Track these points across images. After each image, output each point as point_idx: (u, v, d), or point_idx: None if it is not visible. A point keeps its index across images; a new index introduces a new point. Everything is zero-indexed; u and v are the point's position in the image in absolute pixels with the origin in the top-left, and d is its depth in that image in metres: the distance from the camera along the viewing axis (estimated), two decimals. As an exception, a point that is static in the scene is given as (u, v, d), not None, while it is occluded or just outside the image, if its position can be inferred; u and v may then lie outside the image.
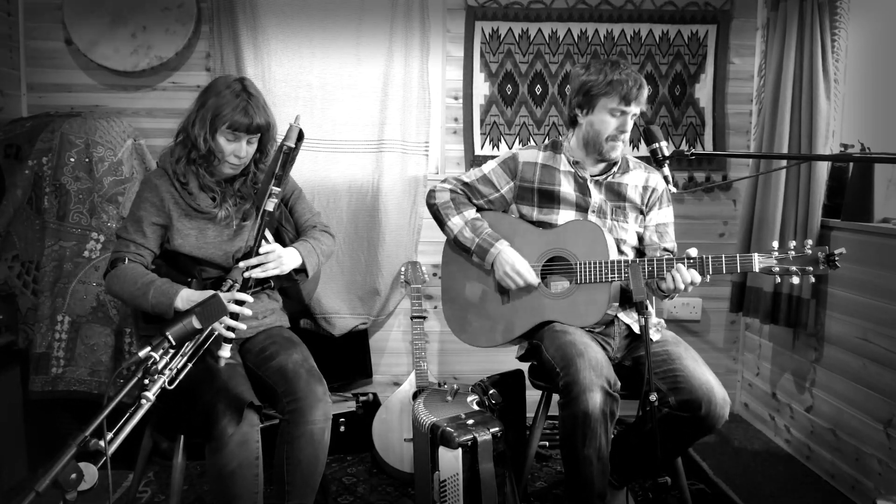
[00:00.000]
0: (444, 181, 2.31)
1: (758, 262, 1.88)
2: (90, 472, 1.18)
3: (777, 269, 1.86)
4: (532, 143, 3.09)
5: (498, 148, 3.12)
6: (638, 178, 2.21)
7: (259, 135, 2.00)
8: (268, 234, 2.02)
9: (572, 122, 2.19)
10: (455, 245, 2.26)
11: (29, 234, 2.62)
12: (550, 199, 2.18)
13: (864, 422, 2.43)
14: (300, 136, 1.95)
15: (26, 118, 2.85)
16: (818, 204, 2.63)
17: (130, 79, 2.99)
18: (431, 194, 2.29)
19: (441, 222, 2.27)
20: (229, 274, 1.92)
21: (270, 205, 1.94)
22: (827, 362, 2.66)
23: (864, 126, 2.69)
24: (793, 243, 1.88)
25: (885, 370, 2.32)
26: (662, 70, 3.12)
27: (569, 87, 2.21)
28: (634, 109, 2.06)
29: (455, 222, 2.22)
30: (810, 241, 1.87)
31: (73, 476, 1.16)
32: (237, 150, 1.97)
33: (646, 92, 2.07)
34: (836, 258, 1.81)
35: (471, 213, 2.24)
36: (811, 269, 1.83)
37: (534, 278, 2.12)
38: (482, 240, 2.17)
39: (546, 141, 2.28)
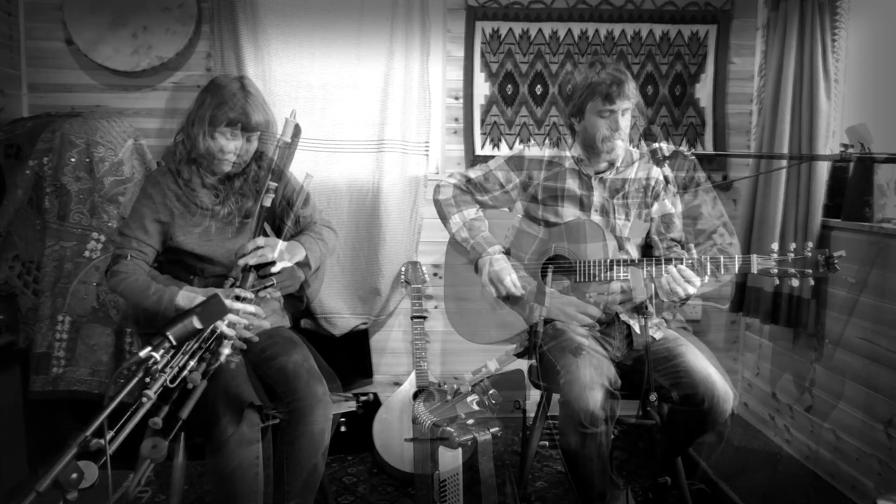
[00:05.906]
0: (449, 176, 2.33)
1: (756, 263, 1.86)
2: (91, 469, 1.18)
3: (776, 270, 1.84)
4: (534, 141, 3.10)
5: (498, 148, 3.12)
6: (641, 171, 2.20)
7: (259, 133, 2.00)
8: (268, 229, 2.02)
9: (572, 132, 2.21)
10: (454, 243, 2.28)
11: (30, 234, 2.62)
12: (555, 196, 2.19)
13: (864, 422, 2.43)
14: (297, 132, 1.95)
15: (27, 118, 2.85)
16: (818, 204, 2.63)
17: (131, 79, 2.99)
18: (437, 189, 2.30)
19: (443, 218, 2.28)
20: (232, 272, 1.93)
21: (268, 200, 1.95)
22: (827, 362, 2.66)
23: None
24: (793, 245, 1.86)
25: (885, 370, 2.32)
26: (662, 70, 3.12)
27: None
28: (623, 105, 2.05)
29: (454, 221, 2.24)
30: (810, 244, 1.85)
31: (74, 476, 1.16)
32: (237, 148, 1.97)
33: (629, 85, 2.04)
34: (836, 261, 1.79)
35: (471, 212, 2.24)
36: (810, 271, 1.81)
37: (517, 290, 2.12)
38: (476, 242, 2.18)
39: (552, 138, 2.29)
